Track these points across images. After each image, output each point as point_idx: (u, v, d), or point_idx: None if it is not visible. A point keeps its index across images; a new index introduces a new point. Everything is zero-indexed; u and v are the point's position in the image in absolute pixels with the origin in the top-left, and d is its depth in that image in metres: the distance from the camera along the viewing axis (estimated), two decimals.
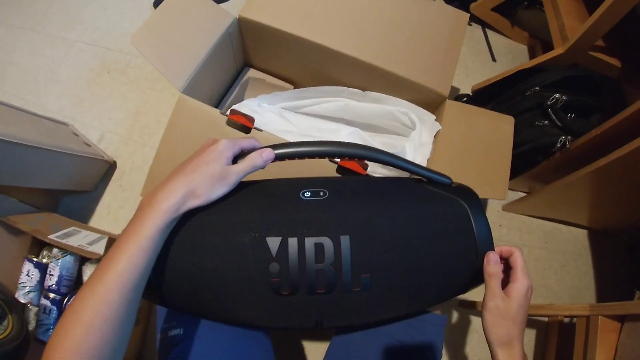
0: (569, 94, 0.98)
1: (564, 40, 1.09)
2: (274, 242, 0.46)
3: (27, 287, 0.92)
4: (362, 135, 0.91)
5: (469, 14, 0.91)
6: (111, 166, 1.21)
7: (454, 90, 1.42)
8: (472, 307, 1.07)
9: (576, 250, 1.28)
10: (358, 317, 0.53)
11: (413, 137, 0.84)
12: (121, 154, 1.23)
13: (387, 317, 0.56)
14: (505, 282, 0.49)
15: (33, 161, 0.90)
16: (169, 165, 0.73)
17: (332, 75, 0.93)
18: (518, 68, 1.15)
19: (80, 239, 0.90)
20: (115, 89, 1.33)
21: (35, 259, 0.93)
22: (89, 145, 1.15)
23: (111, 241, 0.88)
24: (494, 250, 0.50)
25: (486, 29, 1.58)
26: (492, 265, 0.49)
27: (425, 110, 0.88)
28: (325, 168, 0.71)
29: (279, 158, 0.50)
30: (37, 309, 0.92)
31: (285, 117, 0.90)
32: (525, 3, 1.45)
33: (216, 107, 0.90)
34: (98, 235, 0.95)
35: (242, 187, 0.50)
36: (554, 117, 1.00)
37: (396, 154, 0.53)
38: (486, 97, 1.21)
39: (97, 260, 0.88)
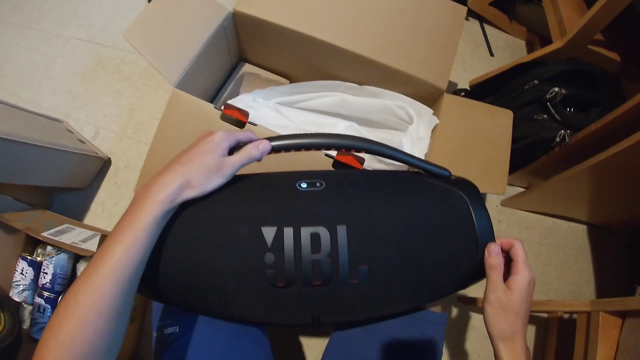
0: (568, 88, 0.97)
1: (563, 34, 1.08)
2: (269, 232, 0.45)
3: (21, 286, 0.91)
4: (359, 130, 0.90)
5: (466, 7, 0.90)
6: (106, 163, 1.20)
7: (452, 85, 1.41)
8: (472, 304, 1.06)
9: (576, 246, 1.27)
10: (356, 312, 0.51)
11: (410, 132, 0.83)
12: (116, 151, 1.22)
13: (385, 313, 0.54)
14: (506, 275, 0.48)
15: (27, 158, 0.89)
16: (162, 161, 0.71)
17: (328, 69, 0.92)
18: (516, 62, 1.14)
19: (74, 236, 0.90)
20: (109, 85, 1.32)
21: (29, 257, 0.92)
22: (83, 142, 1.14)
23: (105, 238, 0.87)
24: (495, 242, 0.49)
25: (484, 24, 1.56)
26: (493, 256, 0.48)
27: (422, 105, 0.87)
28: (322, 163, 0.70)
29: (275, 150, 0.50)
30: (31, 307, 0.91)
31: (281, 112, 0.89)
32: None
33: (211, 102, 0.89)
34: (92, 232, 0.94)
35: (238, 180, 0.50)
36: (553, 111, 0.99)
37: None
38: (484, 91, 1.20)
39: (91, 257, 0.87)
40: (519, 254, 0.48)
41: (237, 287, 0.46)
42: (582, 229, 1.30)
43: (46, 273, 0.90)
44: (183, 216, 0.45)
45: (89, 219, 1.15)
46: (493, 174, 0.80)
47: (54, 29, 1.41)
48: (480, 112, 0.84)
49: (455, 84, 1.41)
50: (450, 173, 0.55)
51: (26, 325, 0.91)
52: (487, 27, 1.56)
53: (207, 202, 0.46)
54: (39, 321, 0.89)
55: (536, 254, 1.24)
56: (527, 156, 1.11)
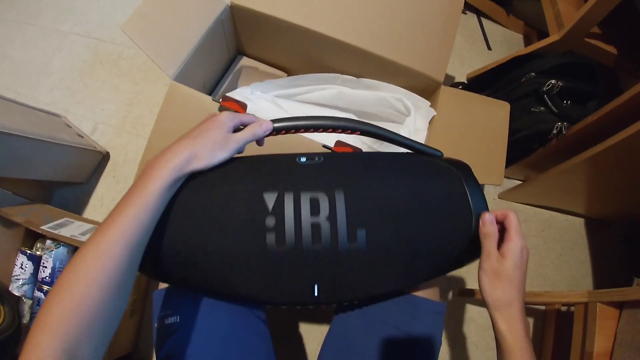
0: (565, 80, 0.97)
1: (560, 27, 1.09)
2: (270, 197, 0.48)
3: (21, 280, 0.91)
4: None
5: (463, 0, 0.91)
6: (104, 157, 1.20)
7: (449, 78, 1.41)
8: (470, 295, 1.07)
9: (573, 239, 1.28)
10: (355, 285, 0.51)
11: (408, 124, 0.83)
12: (114, 145, 1.22)
13: (385, 290, 0.54)
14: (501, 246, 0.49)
15: (25, 152, 0.90)
16: None
17: (326, 62, 0.92)
18: (514, 55, 1.14)
19: (73, 229, 0.90)
20: (107, 80, 1.32)
21: (28, 251, 0.92)
22: (82, 136, 1.14)
23: None
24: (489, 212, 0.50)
25: (481, 18, 1.57)
26: (487, 225, 0.49)
27: (419, 97, 0.87)
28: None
29: (277, 130, 0.53)
30: (31, 301, 0.92)
31: (279, 104, 0.90)
32: None
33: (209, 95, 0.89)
34: (91, 225, 0.94)
35: (240, 158, 0.53)
36: (549, 103, 0.99)
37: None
38: (481, 84, 1.20)
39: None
40: (512, 222, 0.49)
41: (238, 252, 0.47)
42: (579, 221, 1.30)
43: (46, 267, 0.90)
44: (188, 187, 0.48)
45: (87, 213, 1.15)
46: (490, 165, 0.80)
47: (51, 25, 1.40)
48: (477, 104, 0.85)
49: (453, 78, 1.42)
50: (442, 153, 0.58)
51: (26, 319, 0.91)
52: (484, 21, 1.57)
53: (211, 174, 0.48)
54: None
55: (533, 247, 1.25)
56: (524, 148, 1.12)
